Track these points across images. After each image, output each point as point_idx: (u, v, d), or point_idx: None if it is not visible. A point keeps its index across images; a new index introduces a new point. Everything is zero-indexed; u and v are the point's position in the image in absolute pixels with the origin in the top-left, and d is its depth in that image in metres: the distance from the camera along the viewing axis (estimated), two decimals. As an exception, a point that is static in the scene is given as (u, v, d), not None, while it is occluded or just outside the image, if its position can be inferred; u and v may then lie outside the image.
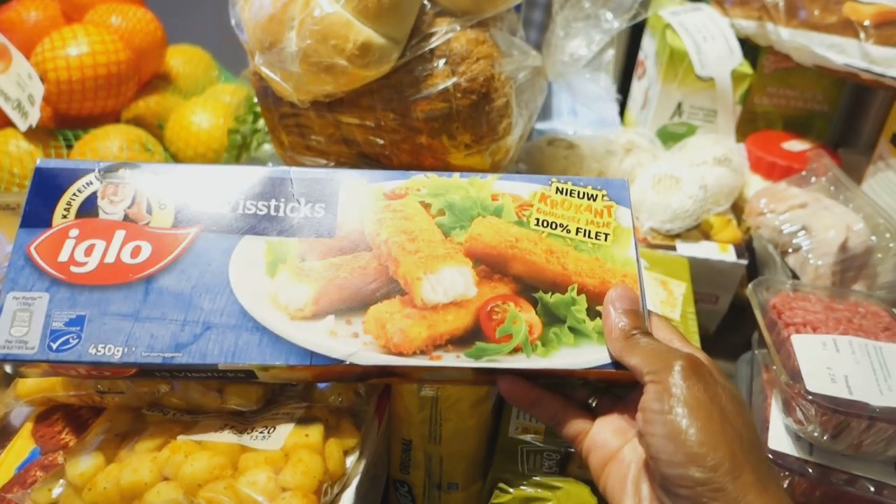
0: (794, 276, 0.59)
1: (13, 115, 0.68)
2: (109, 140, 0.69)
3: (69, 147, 0.69)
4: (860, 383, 0.45)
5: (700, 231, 0.69)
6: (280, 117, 0.60)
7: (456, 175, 0.45)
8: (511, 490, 0.42)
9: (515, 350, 0.39)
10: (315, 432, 0.41)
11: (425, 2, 0.57)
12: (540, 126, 0.85)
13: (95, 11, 0.78)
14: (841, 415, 0.43)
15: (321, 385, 0.45)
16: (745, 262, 0.65)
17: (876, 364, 0.46)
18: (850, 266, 0.57)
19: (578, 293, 0.41)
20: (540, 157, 0.73)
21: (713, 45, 0.74)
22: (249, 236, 0.42)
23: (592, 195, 0.45)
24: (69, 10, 0.81)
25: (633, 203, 0.70)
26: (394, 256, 0.42)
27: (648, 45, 0.85)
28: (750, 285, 0.54)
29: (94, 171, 0.44)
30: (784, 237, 0.60)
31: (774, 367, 0.48)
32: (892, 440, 0.43)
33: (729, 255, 0.66)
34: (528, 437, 0.45)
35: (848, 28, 0.64)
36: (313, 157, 0.62)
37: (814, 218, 0.59)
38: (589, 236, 0.43)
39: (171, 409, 0.44)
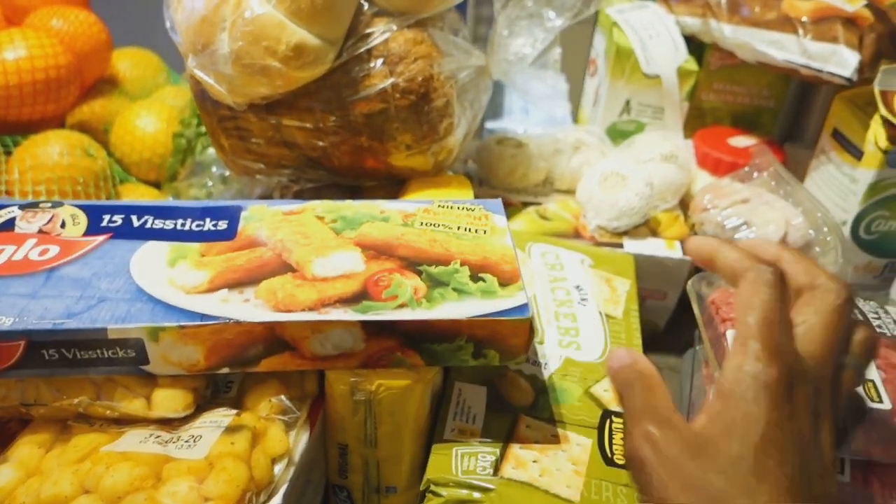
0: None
1: (-52, 122, 0.66)
2: (49, 146, 0.67)
3: (8, 153, 0.68)
4: None
5: (648, 228, 0.69)
6: (219, 120, 0.59)
7: (348, 201, 0.51)
8: (443, 493, 0.42)
9: (401, 306, 0.42)
10: (241, 440, 0.40)
11: (363, 2, 0.57)
12: (491, 125, 0.85)
13: (36, 14, 0.77)
14: None
15: (254, 387, 0.45)
16: (689, 258, 0.66)
17: None
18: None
19: (461, 265, 0.45)
20: (488, 156, 0.73)
21: (659, 42, 0.74)
22: (154, 241, 0.45)
23: (470, 208, 0.51)
24: (9, 13, 0.80)
25: (581, 201, 0.70)
26: (288, 248, 0.45)
27: (599, 42, 0.85)
28: (690, 281, 0.54)
29: (15, 206, 0.47)
30: (727, 233, 0.61)
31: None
32: None
33: (675, 252, 0.66)
34: (463, 439, 0.45)
35: (787, 24, 0.64)
36: (254, 160, 0.61)
37: (755, 213, 0.59)
38: (469, 231, 0.48)
39: (98, 419, 0.43)
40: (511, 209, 0.71)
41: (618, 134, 0.79)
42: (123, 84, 0.85)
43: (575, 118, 0.92)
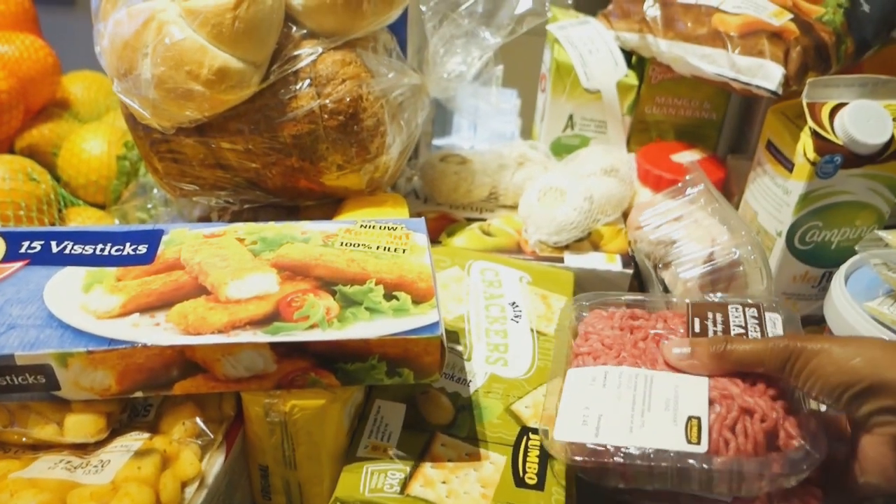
0: (667, 291, 0.59)
1: None
2: (-10, 171, 0.67)
3: (-51, 179, 0.68)
4: (612, 424, 0.42)
5: (590, 242, 0.70)
6: (151, 144, 0.59)
7: (271, 223, 0.52)
8: (351, 512, 0.42)
9: (312, 327, 0.42)
10: (149, 464, 0.40)
11: (291, 24, 0.57)
12: (439, 142, 0.86)
13: (-18, 40, 0.77)
14: (587, 459, 0.42)
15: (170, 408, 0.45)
16: (630, 271, 0.66)
17: (639, 398, 0.43)
18: (719, 279, 0.58)
19: (376, 284, 0.46)
20: (432, 173, 0.73)
21: (598, 57, 0.75)
22: (71, 267, 0.46)
23: (392, 227, 0.52)
24: (-43, 40, 0.80)
25: (522, 216, 0.70)
26: (205, 271, 0.46)
27: (547, 58, 0.86)
28: (566, 304, 0.53)
29: None
30: (658, 251, 0.61)
31: None
32: (654, 476, 0.42)
33: (615, 265, 0.67)
34: (376, 456, 0.45)
35: (717, 39, 0.65)
36: (190, 182, 0.61)
37: (683, 231, 0.60)
38: (388, 250, 0.49)
39: (13, 445, 0.43)
40: (455, 225, 0.71)
41: (563, 148, 0.80)
42: (74, 107, 0.85)
43: (530, 133, 0.93)
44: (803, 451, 0.40)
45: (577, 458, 0.42)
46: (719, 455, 0.40)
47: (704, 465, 0.40)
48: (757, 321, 0.47)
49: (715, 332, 0.46)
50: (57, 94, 0.83)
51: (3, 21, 0.80)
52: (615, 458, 0.41)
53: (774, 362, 0.42)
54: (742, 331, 0.46)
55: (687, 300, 0.50)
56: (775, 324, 0.48)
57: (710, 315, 0.48)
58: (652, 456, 0.40)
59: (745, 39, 0.63)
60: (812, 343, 0.42)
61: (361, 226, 0.52)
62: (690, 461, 0.40)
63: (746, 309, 0.48)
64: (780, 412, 0.42)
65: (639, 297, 0.53)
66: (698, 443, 0.40)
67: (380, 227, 0.51)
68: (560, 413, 0.44)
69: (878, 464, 0.41)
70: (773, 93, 0.62)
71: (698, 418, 0.41)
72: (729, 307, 0.48)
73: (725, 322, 0.47)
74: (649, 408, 0.43)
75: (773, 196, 0.64)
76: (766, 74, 0.62)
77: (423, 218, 0.53)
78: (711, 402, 0.42)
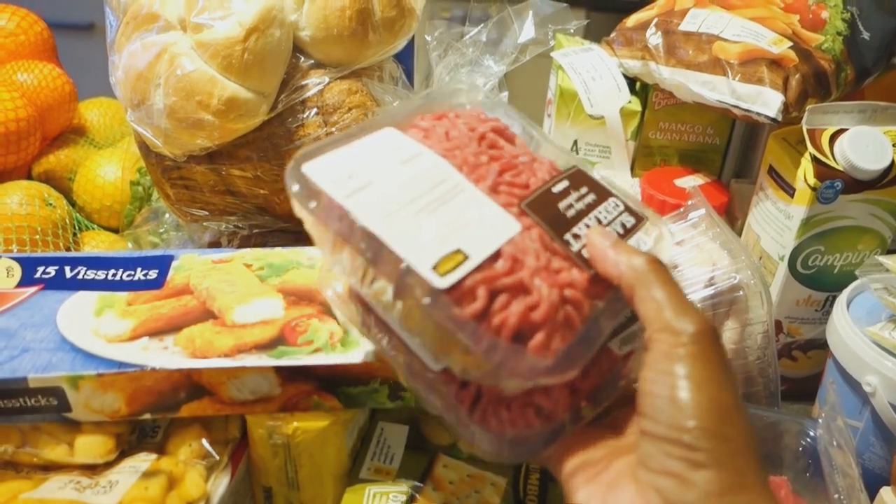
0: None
1: (-89, 175, 0.69)
2: (8, 196, 0.70)
3: (-32, 204, 0.70)
4: (374, 198, 0.35)
5: (594, 265, 0.70)
6: (163, 171, 0.61)
7: (278, 249, 0.52)
8: (353, 535, 0.43)
9: (315, 351, 0.43)
10: (155, 485, 0.41)
11: (299, 54, 0.59)
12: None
13: (2, 69, 0.80)
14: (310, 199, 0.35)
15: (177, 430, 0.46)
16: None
17: (429, 197, 0.36)
18: (720, 303, 0.58)
19: None
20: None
21: (601, 84, 0.76)
22: (84, 292, 0.47)
23: None
24: (-22, 69, 0.83)
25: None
26: (212, 295, 0.47)
27: (552, 84, 0.87)
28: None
29: None
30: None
31: None
32: (346, 267, 0.36)
33: (618, 289, 0.67)
34: (378, 478, 0.46)
35: (717, 66, 0.66)
36: (200, 208, 0.63)
37: (685, 255, 0.61)
38: None
39: (24, 466, 0.44)
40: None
41: (568, 173, 0.81)
42: (90, 133, 0.87)
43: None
44: (545, 365, 0.32)
45: (302, 196, 0.35)
46: (458, 305, 0.32)
47: (426, 300, 0.32)
48: (622, 228, 0.39)
49: (570, 208, 0.38)
50: (73, 121, 0.86)
51: (23, 50, 0.83)
52: (339, 224, 0.34)
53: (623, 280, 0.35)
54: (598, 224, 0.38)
55: (574, 164, 0.41)
56: (639, 243, 0.40)
57: (582, 191, 0.39)
58: (382, 249, 0.33)
59: (745, 67, 0.64)
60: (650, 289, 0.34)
61: None
62: (414, 284, 0.32)
63: (625, 214, 0.40)
64: (562, 318, 0.34)
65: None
66: (443, 276, 0.32)
67: None
68: (334, 154, 0.36)
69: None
70: (773, 119, 0.62)
71: (466, 257, 0.33)
72: (610, 200, 0.40)
73: (591, 207, 0.39)
74: (430, 212, 0.35)
75: (776, 221, 0.65)
76: (766, 101, 0.63)
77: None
78: (497, 255, 0.34)
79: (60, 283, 0.48)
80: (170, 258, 0.51)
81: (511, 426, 0.35)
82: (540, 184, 0.39)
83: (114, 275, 0.49)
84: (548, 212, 0.37)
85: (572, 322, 0.34)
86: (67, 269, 0.49)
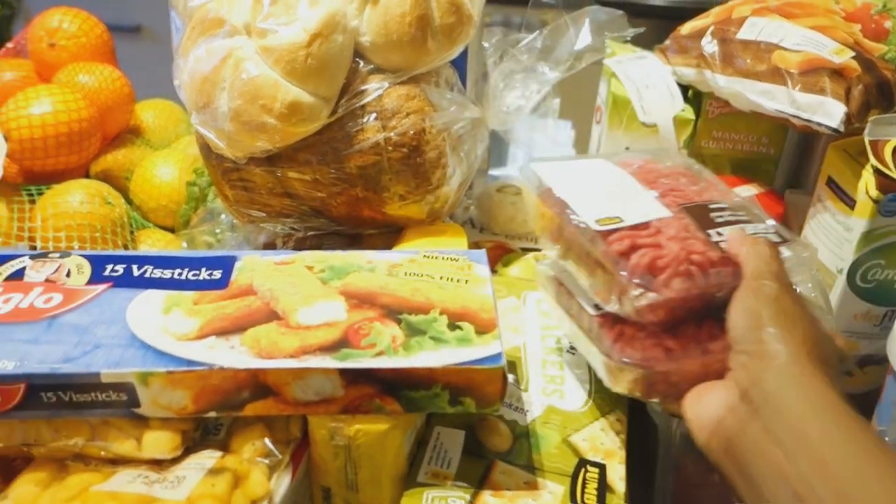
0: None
1: (-22, 173, 0.71)
2: (70, 195, 0.71)
3: (32, 202, 0.72)
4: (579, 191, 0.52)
5: (645, 274, 0.70)
6: (223, 172, 0.62)
7: (338, 252, 0.54)
8: (412, 539, 0.43)
9: (378, 354, 0.44)
10: (222, 482, 0.42)
11: (358, 60, 0.60)
12: (495, 172, 0.87)
13: (65, 71, 0.82)
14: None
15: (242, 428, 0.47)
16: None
17: (615, 185, 0.52)
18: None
19: (440, 314, 0.47)
20: (489, 203, 0.75)
21: (655, 92, 0.75)
22: (151, 290, 0.48)
23: (455, 258, 0.53)
24: (41, 69, 0.85)
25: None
26: (276, 297, 0.48)
27: (603, 90, 0.87)
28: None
29: (27, 256, 0.51)
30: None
31: None
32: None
33: (671, 298, 0.67)
34: (436, 482, 0.46)
35: (777, 76, 0.65)
36: (258, 209, 0.64)
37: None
38: (451, 281, 0.51)
39: (93, 459, 0.45)
40: (511, 255, 0.73)
41: (618, 181, 0.80)
42: (146, 134, 0.89)
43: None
44: (666, 297, 0.43)
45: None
46: (608, 244, 0.45)
47: (587, 239, 0.47)
48: None
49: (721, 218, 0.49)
50: (130, 122, 0.88)
51: (84, 52, 0.85)
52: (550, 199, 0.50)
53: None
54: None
55: (742, 202, 0.53)
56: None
57: (739, 214, 0.50)
58: (566, 210, 0.49)
59: (806, 76, 0.63)
60: (751, 268, 0.44)
61: (424, 256, 0.53)
62: (583, 230, 0.47)
63: (772, 234, 0.50)
64: (684, 270, 0.44)
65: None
66: (601, 225, 0.47)
67: (442, 258, 0.53)
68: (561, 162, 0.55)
69: (710, 406, 0.42)
70: (835, 130, 0.62)
71: (622, 220, 0.47)
72: (762, 223, 0.50)
73: (741, 221, 0.50)
74: (608, 198, 0.50)
75: (834, 233, 0.64)
76: (827, 112, 0.62)
77: (484, 250, 0.55)
78: (646, 224, 0.47)
79: (128, 281, 0.49)
80: (233, 259, 0.52)
81: (642, 357, 0.45)
82: (702, 202, 0.51)
83: (179, 274, 0.50)
84: (699, 213, 0.49)
85: (693, 275, 0.44)
86: (135, 267, 0.50)
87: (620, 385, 0.47)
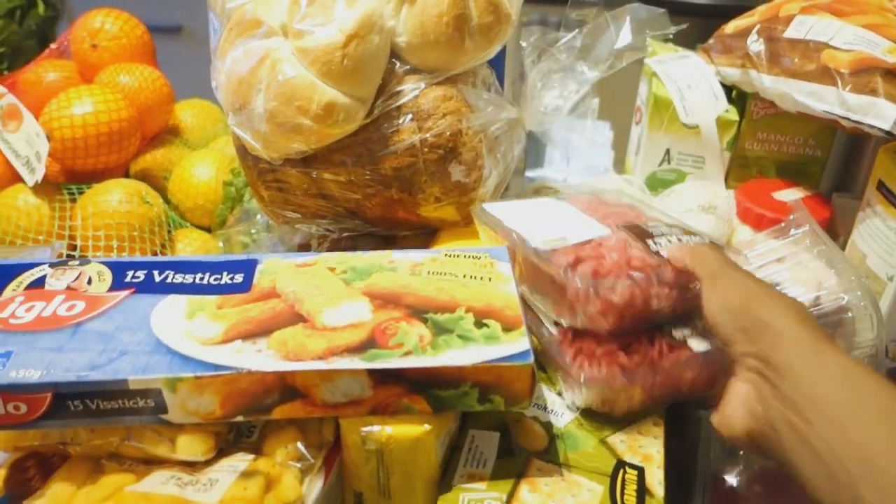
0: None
1: (22, 171, 0.72)
2: (110, 194, 0.72)
3: (73, 201, 0.73)
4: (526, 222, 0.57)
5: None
6: (258, 173, 0.62)
7: (359, 252, 0.53)
8: (448, 543, 0.43)
9: (406, 354, 0.43)
10: (254, 486, 0.42)
11: (395, 60, 0.59)
12: (532, 174, 0.86)
13: (106, 71, 0.83)
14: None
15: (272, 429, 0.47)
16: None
17: (551, 214, 0.57)
18: (825, 325, 0.55)
19: (466, 312, 0.46)
20: (525, 206, 0.73)
21: (697, 92, 0.74)
22: (174, 295, 0.48)
23: (477, 256, 0.53)
24: (84, 70, 0.86)
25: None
26: (300, 299, 0.47)
27: (643, 91, 0.85)
28: None
29: (46, 264, 0.51)
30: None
31: None
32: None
33: (711, 304, 0.65)
34: (472, 485, 0.45)
35: (826, 75, 0.63)
36: (293, 210, 0.64)
37: (787, 274, 0.58)
38: (474, 279, 0.50)
39: (128, 459, 0.46)
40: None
41: (658, 183, 0.79)
42: (184, 134, 0.90)
43: (622, 166, 0.92)
44: (615, 301, 0.47)
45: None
46: (555, 262, 0.49)
47: (536, 257, 0.50)
48: None
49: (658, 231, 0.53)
50: (169, 122, 0.88)
51: (125, 52, 0.86)
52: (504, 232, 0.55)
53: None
54: None
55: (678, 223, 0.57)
56: None
57: (675, 229, 0.54)
58: (519, 239, 0.53)
59: (857, 77, 0.61)
60: (706, 269, 0.47)
61: (446, 255, 0.53)
62: (532, 252, 0.51)
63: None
64: (626, 274, 0.48)
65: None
66: (546, 244, 0.51)
67: (464, 256, 0.52)
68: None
69: (733, 405, 0.45)
70: (888, 133, 0.59)
71: (565, 239, 0.51)
72: (697, 235, 0.54)
73: (676, 234, 0.53)
74: (553, 224, 0.54)
75: (885, 239, 0.62)
76: (879, 113, 0.60)
77: (505, 247, 0.54)
78: (588, 242, 0.51)
79: (150, 287, 0.49)
80: (254, 262, 0.51)
81: (599, 374, 0.48)
82: (639, 221, 0.54)
83: (201, 278, 0.50)
84: (636, 230, 0.53)
85: (635, 278, 0.47)
86: (156, 273, 0.50)
87: (581, 400, 0.50)
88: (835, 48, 0.64)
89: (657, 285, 0.48)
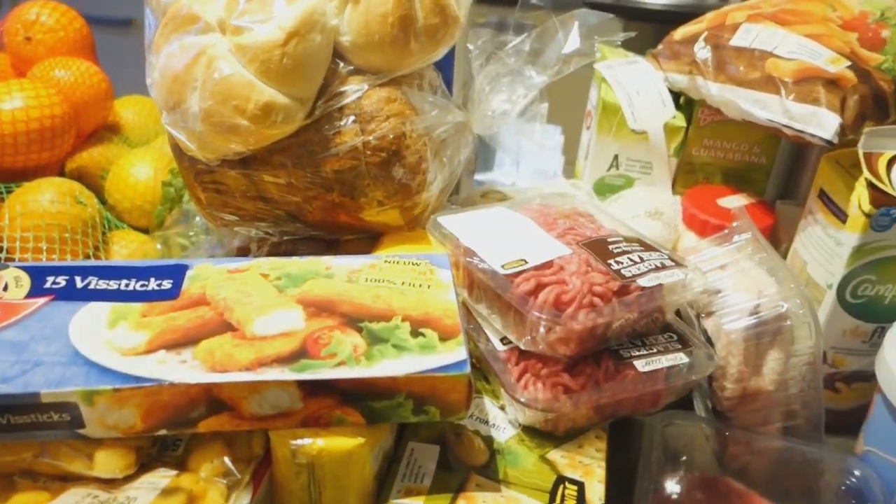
0: (709, 341, 0.57)
1: (-53, 169, 0.69)
2: (40, 193, 0.69)
3: (1, 200, 0.70)
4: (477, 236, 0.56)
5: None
6: (196, 174, 0.60)
7: (295, 258, 0.52)
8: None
9: (339, 364, 0.42)
10: (175, 503, 0.40)
11: (338, 60, 0.58)
12: (481, 177, 0.85)
13: (40, 65, 0.80)
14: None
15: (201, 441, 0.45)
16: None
17: (510, 231, 0.56)
18: (764, 332, 0.56)
19: (402, 321, 0.45)
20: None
21: (646, 98, 0.74)
22: (96, 302, 0.46)
23: (416, 263, 0.52)
24: (17, 63, 0.83)
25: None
26: (230, 307, 0.45)
27: (593, 95, 0.85)
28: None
29: None
30: (702, 299, 0.59)
31: None
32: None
33: (657, 311, 0.65)
34: (409, 500, 0.44)
35: (770, 84, 0.64)
36: (231, 213, 0.62)
37: (729, 281, 0.58)
38: (413, 286, 0.49)
39: (42, 475, 0.43)
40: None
41: (607, 188, 0.79)
42: (125, 131, 0.87)
43: (574, 170, 0.92)
44: (575, 329, 0.47)
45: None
46: (516, 286, 0.48)
47: (494, 283, 0.50)
48: (660, 264, 0.53)
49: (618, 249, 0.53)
50: (108, 119, 0.85)
51: (62, 46, 0.82)
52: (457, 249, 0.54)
53: None
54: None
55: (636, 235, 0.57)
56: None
57: (634, 245, 0.54)
58: (475, 257, 0.52)
59: (800, 86, 0.62)
60: None
61: (386, 261, 0.52)
62: (490, 276, 0.50)
63: (666, 260, 0.53)
64: (588, 301, 0.48)
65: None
66: (506, 269, 0.50)
67: (404, 263, 0.51)
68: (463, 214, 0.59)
69: None
70: (828, 142, 0.60)
71: (526, 262, 0.50)
72: (657, 252, 0.54)
73: (636, 251, 0.53)
74: (510, 242, 0.53)
75: (825, 247, 0.62)
76: (821, 122, 0.60)
77: (446, 253, 0.53)
78: (549, 263, 0.50)
79: (71, 294, 0.47)
80: (184, 267, 0.49)
81: (543, 396, 0.48)
82: (598, 237, 0.54)
83: (126, 285, 0.48)
84: (597, 248, 0.52)
85: (597, 306, 0.48)
86: (78, 278, 0.48)
87: (523, 418, 0.51)
88: (779, 57, 0.64)
89: (619, 310, 0.48)
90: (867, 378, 0.62)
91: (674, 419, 0.55)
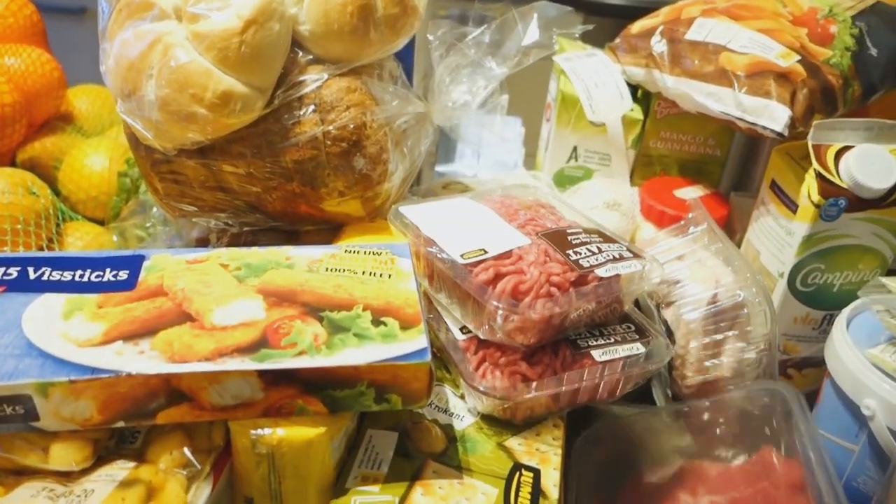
0: (669, 330, 0.59)
1: None
2: (-10, 184, 0.67)
3: (-51, 191, 0.68)
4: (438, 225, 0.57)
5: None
6: (152, 164, 0.59)
7: (255, 248, 0.51)
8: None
9: (300, 354, 0.42)
10: (133, 496, 0.39)
11: (297, 49, 0.57)
12: (442, 168, 0.85)
13: (-11, 52, 0.77)
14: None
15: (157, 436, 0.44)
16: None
17: (470, 222, 0.57)
18: (722, 320, 0.57)
19: (363, 310, 0.45)
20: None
21: (604, 91, 0.75)
22: (50, 293, 0.45)
23: (377, 252, 0.52)
24: (-35, 51, 0.80)
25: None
26: (189, 297, 0.45)
27: (553, 88, 0.86)
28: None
29: None
30: (661, 290, 0.61)
31: None
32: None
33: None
34: (366, 488, 0.44)
35: (724, 78, 0.65)
36: (189, 203, 0.61)
37: (687, 272, 0.59)
38: (374, 276, 0.49)
39: (-4, 469, 0.42)
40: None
41: (566, 180, 0.80)
42: (78, 121, 0.85)
43: (534, 162, 0.93)
44: (533, 318, 0.47)
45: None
46: (475, 276, 0.49)
47: (453, 273, 0.50)
48: (619, 255, 0.53)
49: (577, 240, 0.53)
50: (61, 108, 0.83)
51: (11, 33, 0.80)
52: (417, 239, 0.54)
53: None
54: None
55: (596, 227, 0.58)
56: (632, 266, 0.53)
57: (593, 237, 0.54)
58: (434, 247, 0.52)
59: (752, 79, 0.63)
60: None
61: (346, 251, 0.51)
62: (449, 265, 0.50)
63: (625, 251, 0.54)
64: (546, 292, 0.48)
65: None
66: (465, 259, 0.50)
67: (364, 253, 0.51)
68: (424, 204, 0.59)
69: None
70: (779, 134, 0.61)
71: (486, 252, 0.50)
72: (615, 243, 0.54)
73: (595, 242, 0.54)
74: (470, 232, 0.53)
75: (776, 237, 0.64)
76: (772, 115, 0.62)
77: (407, 243, 0.53)
78: (508, 253, 0.51)
79: (24, 285, 0.46)
80: (140, 258, 0.49)
81: (501, 385, 0.49)
82: (558, 228, 0.55)
83: (81, 276, 0.47)
84: (556, 238, 0.53)
85: (554, 296, 0.49)
86: (31, 269, 0.47)
87: (482, 407, 0.51)
88: (732, 51, 0.66)
89: (576, 300, 0.49)
90: (817, 364, 0.64)
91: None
